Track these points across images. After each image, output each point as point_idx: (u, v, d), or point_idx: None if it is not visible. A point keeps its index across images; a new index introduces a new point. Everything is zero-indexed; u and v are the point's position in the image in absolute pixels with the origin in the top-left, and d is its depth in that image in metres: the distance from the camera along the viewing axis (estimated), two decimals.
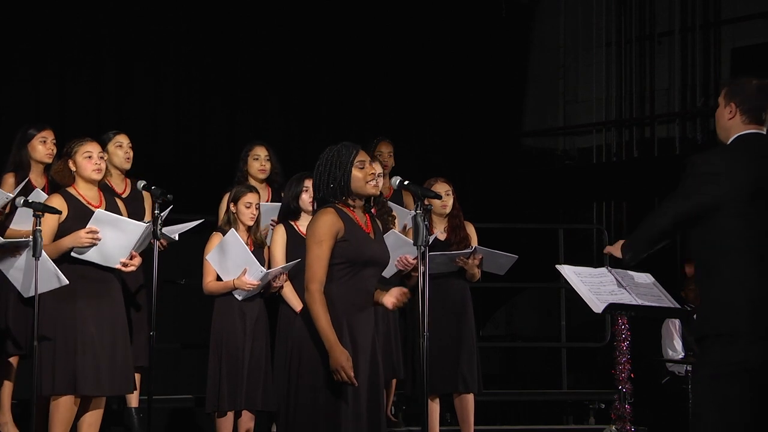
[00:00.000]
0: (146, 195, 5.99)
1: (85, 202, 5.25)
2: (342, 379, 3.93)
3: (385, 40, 9.54)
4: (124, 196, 5.99)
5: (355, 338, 4.05)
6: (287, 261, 5.75)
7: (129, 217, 5.32)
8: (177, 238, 5.80)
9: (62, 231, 5.13)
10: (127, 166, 6.05)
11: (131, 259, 5.20)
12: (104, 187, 5.93)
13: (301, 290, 5.68)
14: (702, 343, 3.68)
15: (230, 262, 5.61)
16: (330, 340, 3.95)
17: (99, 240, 5.09)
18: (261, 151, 6.25)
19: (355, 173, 4.10)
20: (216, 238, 5.74)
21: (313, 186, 4.21)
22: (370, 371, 4.09)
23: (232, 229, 5.66)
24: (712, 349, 3.61)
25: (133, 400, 6.01)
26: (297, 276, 5.71)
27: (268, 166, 6.25)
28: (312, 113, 9.24)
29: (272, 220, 6.03)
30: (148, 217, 5.89)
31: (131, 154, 6.05)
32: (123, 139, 6.06)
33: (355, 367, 4.00)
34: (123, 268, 5.20)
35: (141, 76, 8.37)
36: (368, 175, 4.11)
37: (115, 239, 5.12)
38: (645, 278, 4.67)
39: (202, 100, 8.69)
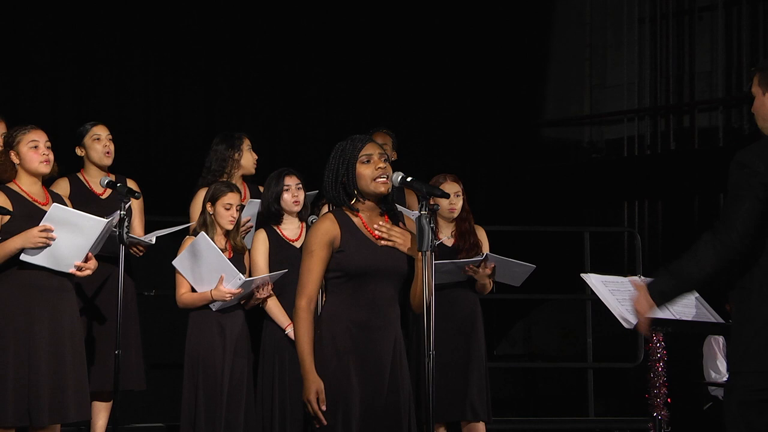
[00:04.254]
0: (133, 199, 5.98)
1: (30, 200, 5.24)
2: (310, 413, 3.96)
3: (385, 18, 9.53)
4: (103, 197, 6.03)
5: (364, 361, 4.03)
6: (271, 269, 5.75)
7: None
8: (154, 241, 5.81)
9: (6, 233, 5.07)
10: (108, 161, 6.08)
11: (86, 261, 5.18)
12: (81, 187, 5.95)
13: (288, 306, 5.70)
14: (731, 370, 3.69)
15: (204, 269, 5.62)
16: (305, 366, 3.98)
17: (53, 239, 5.07)
18: (249, 143, 6.31)
19: (360, 169, 4.10)
20: (189, 243, 5.74)
21: (322, 188, 4.22)
22: (388, 396, 4.05)
23: (202, 232, 5.66)
24: (741, 376, 3.61)
25: (98, 429, 6.01)
26: (284, 290, 5.71)
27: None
28: (302, 102, 9.23)
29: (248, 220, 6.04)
30: (136, 224, 5.93)
31: (112, 147, 6.09)
32: (101, 131, 6.08)
33: (357, 394, 3.99)
34: (77, 273, 5.18)
35: (115, 67, 8.37)
36: (375, 170, 4.10)
37: (70, 239, 5.09)
38: None
39: (180, 88, 8.68)
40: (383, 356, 4.06)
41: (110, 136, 6.10)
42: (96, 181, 6.04)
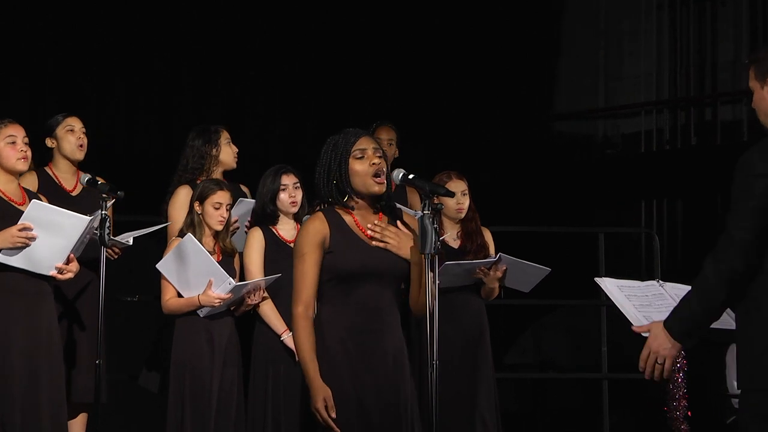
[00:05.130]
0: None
1: (6, 199, 5.23)
2: (320, 423, 3.95)
3: (387, 6, 9.52)
4: (74, 194, 6.01)
5: (358, 372, 4.03)
6: (265, 271, 5.74)
7: None
8: (131, 243, 5.80)
9: None
10: (80, 155, 6.06)
11: (68, 263, 5.16)
12: (50, 183, 5.94)
13: (282, 309, 5.71)
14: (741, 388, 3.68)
15: (190, 273, 5.61)
16: (309, 374, 3.98)
17: (34, 239, 5.05)
18: (228, 136, 6.29)
19: (354, 165, 4.09)
20: (174, 245, 5.73)
21: (315, 185, 4.21)
22: (389, 407, 4.05)
23: (189, 233, 5.66)
24: (752, 394, 3.61)
25: None
26: (279, 293, 5.71)
27: None
28: (297, 95, 9.22)
29: (248, 221, 6.04)
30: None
31: (85, 140, 6.07)
32: (75, 123, 6.07)
33: (353, 407, 3.98)
34: (58, 276, 5.17)
35: (93, 53, 8.36)
36: (369, 166, 4.09)
37: (50, 239, 5.08)
38: None
39: (165, 78, 8.67)
40: (382, 365, 4.05)
41: (84, 129, 6.08)
42: (66, 176, 6.03)
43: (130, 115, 8.57)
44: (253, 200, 6.04)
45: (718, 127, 10.37)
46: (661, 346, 3.70)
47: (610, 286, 4.59)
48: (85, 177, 5.83)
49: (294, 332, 4.07)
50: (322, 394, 3.94)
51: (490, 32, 10.16)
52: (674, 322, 3.69)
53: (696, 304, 3.65)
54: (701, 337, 3.75)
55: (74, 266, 5.21)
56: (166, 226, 5.96)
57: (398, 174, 4.30)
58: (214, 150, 6.19)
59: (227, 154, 6.24)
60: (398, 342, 4.14)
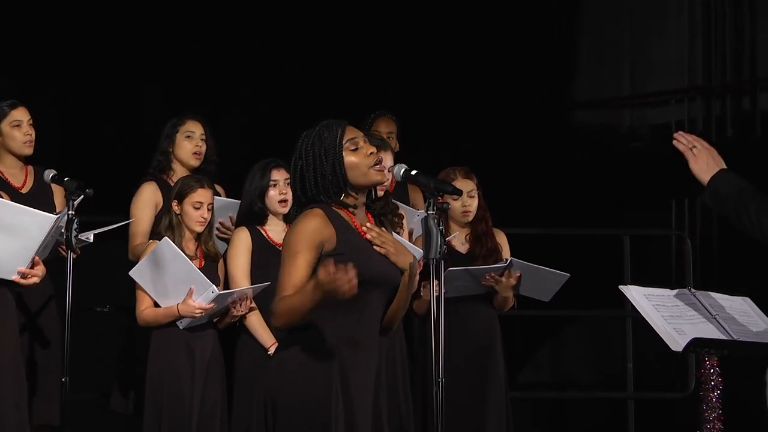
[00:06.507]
0: (57, 189, 5.99)
1: None
2: (339, 286, 3.77)
3: None
4: (23, 191, 6.01)
5: (349, 388, 4.03)
6: (252, 277, 5.73)
7: None
8: (92, 239, 5.77)
9: None
10: (29, 150, 6.06)
11: (32, 267, 5.14)
12: None
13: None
14: None
15: (168, 280, 5.61)
16: (310, 288, 3.84)
17: None
18: (195, 128, 6.26)
19: (349, 158, 4.07)
20: (150, 250, 5.72)
21: (291, 188, 4.18)
22: (372, 423, 4.07)
23: (166, 237, 5.65)
24: None
25: None
26: (268, 302, 5.69)
27: (203, 148, 6.26)
28: (287, 84, 9.23)
29: (230, 217, 6.03)
30: None
31: (33, 134, 6.07)
32: (22, 116, 6.07)
33: (342, 422, 3.98)
34: (21, 281, 5.14)
35: (52, 33, 8.37)
36: (366, 156, 4.08)
37: (11, 239, 5.04)
38: (741, 304, 4.66)
39: (135, 66, 8.67)
40: (368, 381, 4.07)
41: (31, 121, 6.06)
42: (13, 171, 6.04)
43: (97, 113, 8.59)
44: (227, 199, 6.05)
45: (757, 117, 10.36)
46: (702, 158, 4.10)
47: (636, 294, 4.59)
48: (50, 173, 5.84)
49: (282, 311, 3.97)
50: (318, 276, 3.79)
51: (502, 11, 10.15)
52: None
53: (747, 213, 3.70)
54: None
55: (40, 270, 5.18)
56: (129, 223, 5.96)
57: (400, 170, 4.29)
58: (170, 146, 6.20)
59: (183, 150, 6.22)
60: (381, 357, 4.16)
